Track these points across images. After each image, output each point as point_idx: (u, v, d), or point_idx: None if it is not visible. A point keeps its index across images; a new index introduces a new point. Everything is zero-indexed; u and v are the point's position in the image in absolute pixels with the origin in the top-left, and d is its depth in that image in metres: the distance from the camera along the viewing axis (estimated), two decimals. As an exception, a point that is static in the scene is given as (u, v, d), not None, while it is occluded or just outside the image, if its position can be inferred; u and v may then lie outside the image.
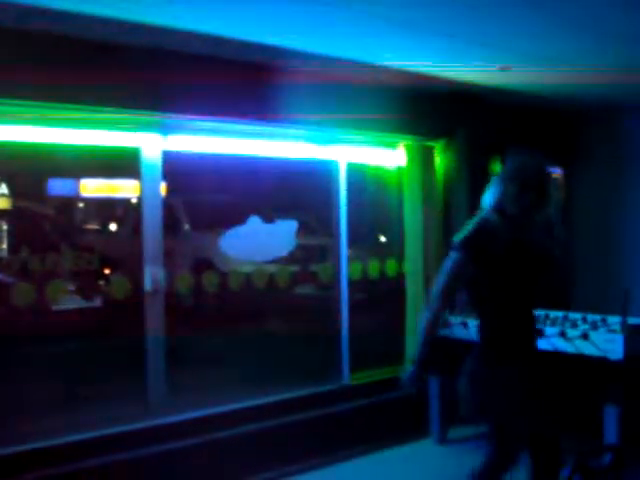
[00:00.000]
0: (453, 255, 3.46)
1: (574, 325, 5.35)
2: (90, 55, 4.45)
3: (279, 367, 6.25)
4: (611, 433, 4.70)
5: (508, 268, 3.40)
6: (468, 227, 3.48)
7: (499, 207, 3.46)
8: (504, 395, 3.42)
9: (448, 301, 3.52)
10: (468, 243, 3.44)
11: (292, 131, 5.55)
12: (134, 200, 10.31)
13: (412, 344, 6.11)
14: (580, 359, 4.91)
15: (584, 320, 5.53)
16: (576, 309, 5.91)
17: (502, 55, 5.09)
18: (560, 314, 5.73)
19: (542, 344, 5.03)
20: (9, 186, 8.95)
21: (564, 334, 5.03)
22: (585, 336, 4.93)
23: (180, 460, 4.86)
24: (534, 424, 3.51)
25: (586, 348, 4.89)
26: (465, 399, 3.55)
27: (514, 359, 3.45)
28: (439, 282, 3.48)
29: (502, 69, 5.43)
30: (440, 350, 5.81)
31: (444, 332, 5.75)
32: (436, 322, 3.52)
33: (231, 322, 7.50)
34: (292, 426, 5.41)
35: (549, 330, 5.14)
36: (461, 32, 4.50)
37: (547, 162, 3.60)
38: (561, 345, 5.00)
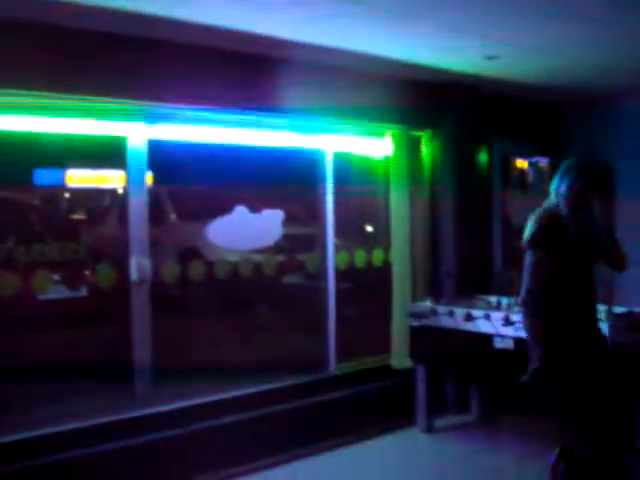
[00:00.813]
0: (532, 254, 3.74)
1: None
2: (75, 43, 4.42)
3: (265, 357, 6.24)
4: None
5: (576, 257, 3.69)
6: (538, 217, 3.78)
7: (564, 199, 3.74)
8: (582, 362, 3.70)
9: (545, 298, 3.77)
10: (543, 238, 3.72)
11: (279, 120, 5.54)
12: (120, 190, 10.28)
13: (398, 333, 6.13)
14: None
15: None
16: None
17: (488, 44, 5.09)
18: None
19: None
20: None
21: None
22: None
23: (166, 450, 4.86)
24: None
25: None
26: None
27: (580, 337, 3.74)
28: (529, 283, 3.77)
29: (489, 58, 5.43)
30: (426, 339, 5.85)
31: (430, 321, 5.76)
32: (540, 325, 3.85)
33: (217, 312, 7.49)
34: (278, 416, 5.42)
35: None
36: (447, 20, 4.49)
37: (612, 165, 3.89)
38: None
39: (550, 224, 3.72)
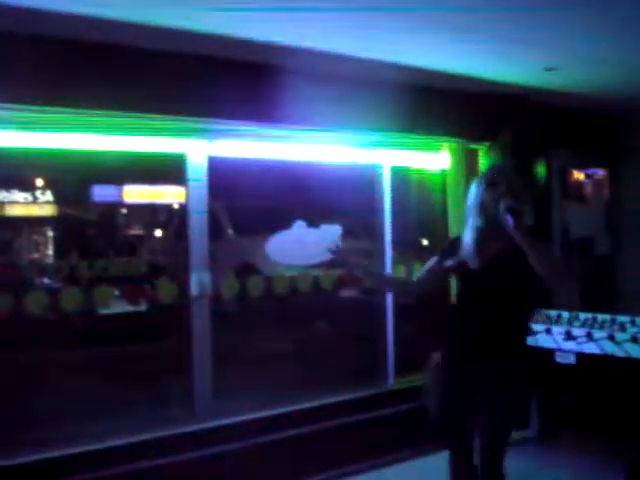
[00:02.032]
0: (436, 255, 3.84)
1: (623, 328, 5.28)
2: (135, 62, 4.50)
3: (324, 370, 6.25)
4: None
5: (465, 277, 3.67)
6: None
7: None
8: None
9: (423, 286, 3.96)
10: (444, 249, 3.81)
11: (336, 135, 5.54)
12: (176, 206, 10.43)
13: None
14: (630, 362, 4.85)
15: (633, 323, 5.45)
16: (625, 312, 5.83)
17: (548, 56, 5.05)
18: (608, 317, 5.65)
19: (590, 348, 5.00)
20: (55, 193, 9.08)
21: (613, 337, 4.98)
22: (634, 339, 4.87)
23: (225, 464, 4.87)
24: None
25: (636, 351, 4.83)
26: None
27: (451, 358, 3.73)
28: (423, 268, 3.92)
29: (549, 70, 5.38)
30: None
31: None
32: (408, 289, 4.24)
33: (275, 326, 7.53)
34: (337, 430, 5.40)
35: (597, 334, 5.09)
36: (507, 33, 4.47)
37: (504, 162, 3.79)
38: (610, 348, 4.93)
39: (454, 241, 3.78)
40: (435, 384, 3.76)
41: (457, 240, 3.71)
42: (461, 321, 3.68)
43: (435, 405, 3.74)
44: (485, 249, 3.53)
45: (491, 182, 3.50)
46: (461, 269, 3.62)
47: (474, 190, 3.58)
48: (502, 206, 3.35)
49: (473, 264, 3.54)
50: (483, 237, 3.53)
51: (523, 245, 3.29)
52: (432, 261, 3.82)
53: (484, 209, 3.50)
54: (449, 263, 3.69)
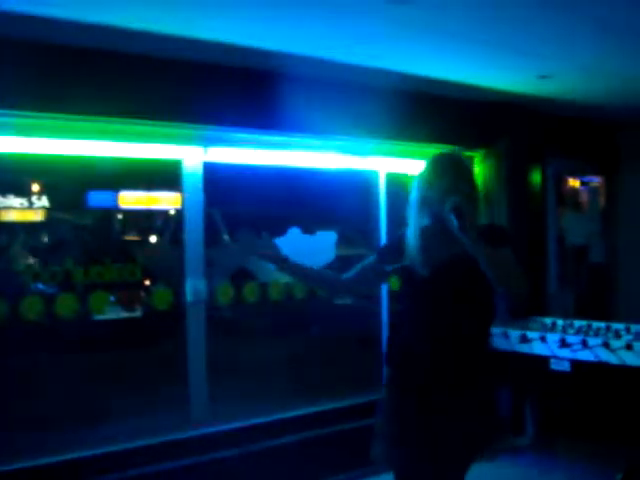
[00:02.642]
0: (374, 253, 3.40)
1: (617, 336, 5.29)
2: (131, 69, 4.50)
3: (321, 377, 6.24)
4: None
5: (406, 281, 3.20)
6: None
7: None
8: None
9: (358, 285, 3.47)
10: (385, 247, 3.54)
11: (331, 142, 5.55)
12: (172, 211, 10.43)
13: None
14: (624, 370, 4.86)
15: (627, 330, 5.46)
16: (619, 319, 5.85)
17: (542, 63, 5.06)
18: (603, 324, 5.66)
19: (585, 355, 5.01)
20: (50, 198, 9.07)
21: (607, 345, 4.98)
22: (629, 346, 4.88)
23: (222, 471, 4.86)
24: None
25: (630, 359, 4.84)
26: None
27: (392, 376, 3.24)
28: (358, 267, 3.35)
29: (542, 77, 5.40)
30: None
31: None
32: (332, 283, 3.51)
33: (270, 333, 7.52)
34: (334, 437, 5.39)
35: (592, 341, 5.09)
36: (500, 39, 4.48)
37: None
38: (604, 356, 4.94)
39: (394, 241, 3.31)
40: (386, 424, 3.23)
41: (402, 238, 3.16)
42: (407, 337, 3.18)
43: (387, 453, 3.24)
44: (433, 253, 3.03)
45: (436, 175, 3.03)
46: (407, 273, 3.12)
47: (417, 184, 3.08)
48: (447, 204, 2.86)
49: (420, 269, 3.03)
50: (429, 238, 3.03)
51: (472, 250, 2.85)
52: (370, 260, 3.32)
53: (428, 206, 3.00)
54: (392, 266, 3.21)
